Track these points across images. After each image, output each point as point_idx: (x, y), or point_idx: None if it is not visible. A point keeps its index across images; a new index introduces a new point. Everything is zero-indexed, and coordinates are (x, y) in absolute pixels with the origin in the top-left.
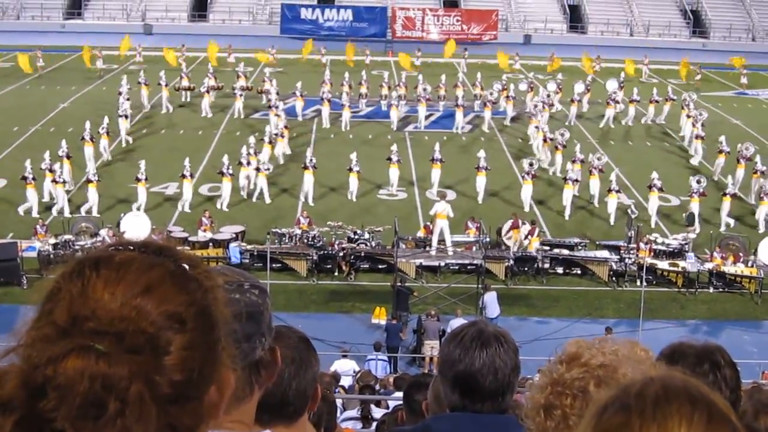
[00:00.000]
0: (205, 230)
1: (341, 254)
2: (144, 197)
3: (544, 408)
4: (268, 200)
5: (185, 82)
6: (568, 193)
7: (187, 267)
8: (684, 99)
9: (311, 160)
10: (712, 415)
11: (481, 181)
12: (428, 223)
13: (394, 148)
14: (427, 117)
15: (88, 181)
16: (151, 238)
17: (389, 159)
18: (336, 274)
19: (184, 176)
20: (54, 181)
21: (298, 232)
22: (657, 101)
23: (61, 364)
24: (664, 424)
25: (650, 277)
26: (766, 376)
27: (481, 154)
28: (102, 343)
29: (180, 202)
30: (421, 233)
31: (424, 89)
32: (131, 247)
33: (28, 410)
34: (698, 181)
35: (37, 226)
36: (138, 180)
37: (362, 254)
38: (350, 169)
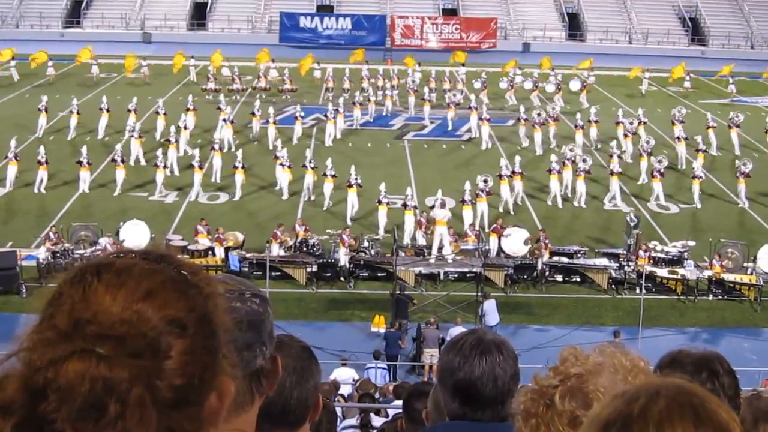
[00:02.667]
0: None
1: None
2: (121, 179)
3: (523, 413)
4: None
5: (262, 83)
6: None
7: (187, 274)
8: (673, 114)
9: (356, 178)
10: None
11: (467, 214)
12: (421, 218)
13: (409, 192)
14: (426, 126)
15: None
16: (152, 246)
17: (405, 205)
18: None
19: (156, 166)
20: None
21: (297, 239)
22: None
23: (62, 367)
24: None
25: (649, 284)
26: (766, 384)
27: (467, 186)
28: (103, 346)
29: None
30: (418, 232)
31: (413, 81)
32: (132, 255)
33: (29, 412)
34: (584, 160)
35: (50, 233)
36: (114, 161)
37: (362, 262)
38: (379, 202)
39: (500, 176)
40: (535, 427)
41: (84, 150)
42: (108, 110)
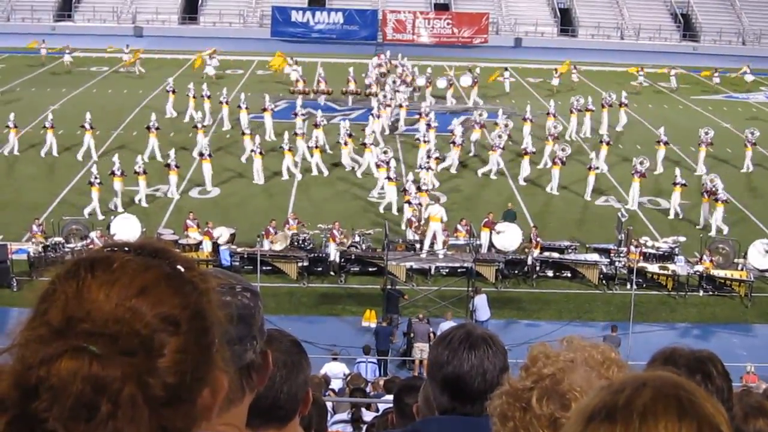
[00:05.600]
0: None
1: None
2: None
3: (500, 416)
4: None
5: (322, 86)
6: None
7: (182, 269)
8: (571, 103)
9: (394, 171)
10: (701, 429)
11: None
12: (412, 218)
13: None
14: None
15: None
16: (147, 239)
17: (405, 192)
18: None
19: (137, 173)
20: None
21: (289, 234)
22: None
23: (54, 365)
24: None
25: (640, 280)
26: (749, 379)
27: (410, 184)
28: (96, 344)
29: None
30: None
31: (394, 81)
32: (127, 249)
33: (21, 410)
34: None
35: (33, 226)
36: (113, 174)
37: (353, 257)
38: (409, 203)
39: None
40: (513, 430)
41: (172, 153)
42: (174, 91)
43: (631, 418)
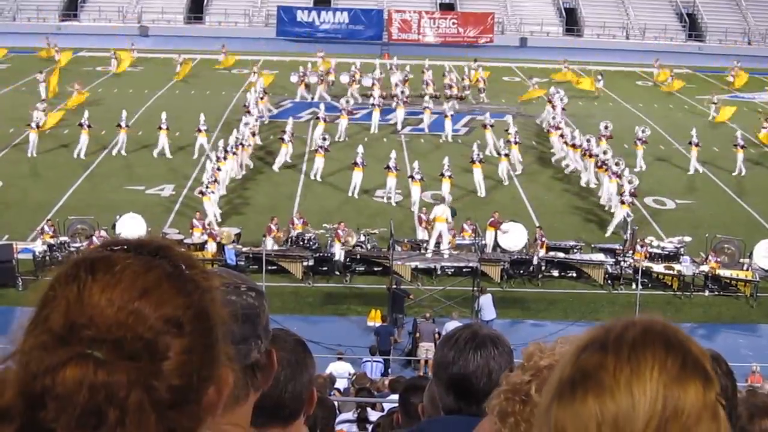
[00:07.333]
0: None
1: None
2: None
3: (499, 414)
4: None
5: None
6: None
7: (184, 268)
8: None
9: (418, 171)
10: (686, 362)
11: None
12: (421, 215)
13: (393, 155)
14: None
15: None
16: (148, 236)
17: (411, 177)
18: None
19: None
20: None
21: (294, 233)
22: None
23: (59, 374)
24: (638, 368)
25: (645, 280)
26: (754, 380)
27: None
28: (100, 350)
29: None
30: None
31: (402, 92)
32: (126, 247)
33: (28, 420)
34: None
35: (45, 226)
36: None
37: (358, 257)
38: (412, 177)
39: (472, 161)
40: (514, 425)
41: (213, 155)
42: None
43: (621, 348)
